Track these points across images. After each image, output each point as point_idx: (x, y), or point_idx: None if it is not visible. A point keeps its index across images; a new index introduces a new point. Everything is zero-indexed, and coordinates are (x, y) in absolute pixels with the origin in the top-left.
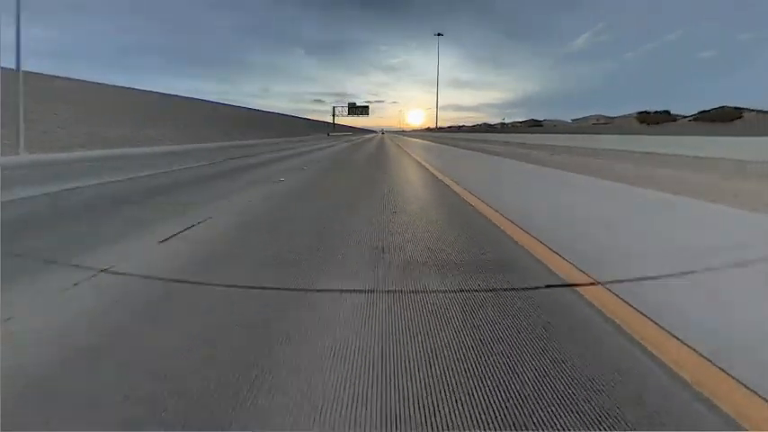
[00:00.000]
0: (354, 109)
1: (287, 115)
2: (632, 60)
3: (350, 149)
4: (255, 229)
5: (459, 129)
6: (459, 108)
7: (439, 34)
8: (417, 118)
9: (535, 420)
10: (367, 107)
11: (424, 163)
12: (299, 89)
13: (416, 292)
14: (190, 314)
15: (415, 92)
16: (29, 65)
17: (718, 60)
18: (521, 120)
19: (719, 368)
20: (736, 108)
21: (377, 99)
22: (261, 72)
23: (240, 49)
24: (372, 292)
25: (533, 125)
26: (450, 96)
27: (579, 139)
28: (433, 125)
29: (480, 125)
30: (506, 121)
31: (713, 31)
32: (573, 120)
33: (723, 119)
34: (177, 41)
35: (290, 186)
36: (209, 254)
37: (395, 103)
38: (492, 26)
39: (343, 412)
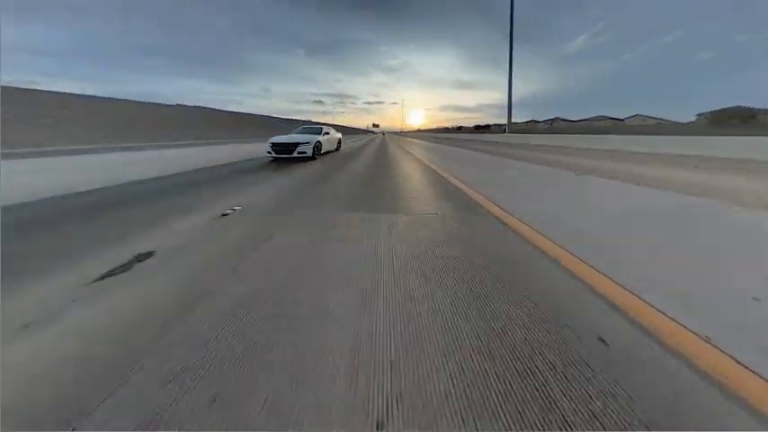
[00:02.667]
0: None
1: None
2: (630, 61)
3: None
4: None
5: (447, 130)
6: (459, 109)
7: (402, 99)
8: (417, 119)
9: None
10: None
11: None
12: (300, 89)
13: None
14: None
15: (414, 92)
16: (31, 65)
17: (717, 61)
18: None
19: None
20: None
21: (377, 100)
22: (262, 72)
23: (241, 50)
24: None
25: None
26: (451, 97)
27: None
28: (432, 126)
29: (451, 128)
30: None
31: (712, 32)
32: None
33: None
34: (178, 42)
35: None
36: None
37: (394, 103)
38: (491, 27)
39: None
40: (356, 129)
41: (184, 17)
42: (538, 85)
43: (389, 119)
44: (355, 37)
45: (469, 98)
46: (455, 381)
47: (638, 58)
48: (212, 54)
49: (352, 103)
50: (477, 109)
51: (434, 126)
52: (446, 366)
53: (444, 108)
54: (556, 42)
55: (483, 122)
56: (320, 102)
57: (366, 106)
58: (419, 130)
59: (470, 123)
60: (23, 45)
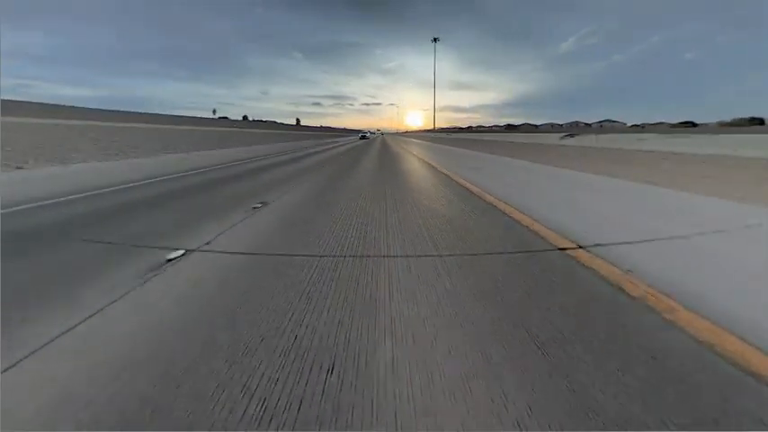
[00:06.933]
0: (377, 130)
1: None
2: (621, 62)
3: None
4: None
5: (442, 130)
6: (457, 109)
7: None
8: (415, 119)
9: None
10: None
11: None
12: (298, 92)
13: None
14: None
15: (411, 94)
16: (31, 71)
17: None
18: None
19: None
20: None
21: (374, 101)
22: (260, 75)
23: (239, 53)
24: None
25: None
26: (449, 98)
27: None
28: (430, 126)
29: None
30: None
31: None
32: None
33: None
34: (176, 46)
35: None
36: None
37: (392, 105)
38: (485, 29)
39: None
40: (360, 130)
41: (182, 22)
42: (531, 85)
43: (388, 120)
44: (351, 40)
45: (466, 99)
46: None
47: (629, 58)
48: (210, 58)
49: (350, 104)
50: (474, 110)
51: (432, 127)
52: None
53: (442, 109)
54: (548, 43)
55: (481, 123)
56: (318, 104)
57: (364, 108)
58: (407, 131)
59: (469, 124)
60: (20, 49)
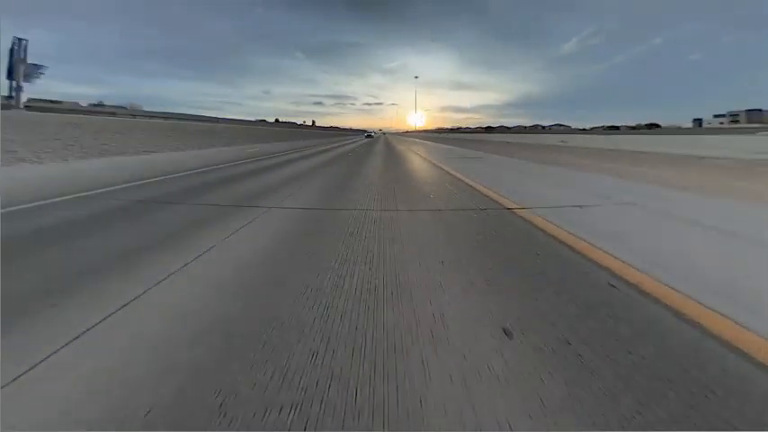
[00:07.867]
0: (380, 130)
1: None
2: (622, 62)
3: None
4: None
5: (441, 130)
6: (458, 110)
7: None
8: (416, 120)
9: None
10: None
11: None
12: (300, 91)
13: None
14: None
15: (413, 94)
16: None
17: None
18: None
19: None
20: None
21: (376, 101)
22: (262, 75)
23: (241, 53)
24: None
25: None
26: (450, 98)
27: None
28: (431, 126)
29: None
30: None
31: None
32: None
33: None
34: (179, 46)
35: None
36: None
37: (393, 105)
38: (485, 30)
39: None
40: (364, 130)
41: (183, 21)
42: (532, 86)
43: (389, 120)
44: (353, 40)
45: (467, 99)
46: None
47: (630, 58)
48: (211, 58)
49: (351, 104)
50: (475, 110)
51: (433, 127)
52: None
53: (444, 109)
54: (549, 44)
55: (482, 124)
56: (320, 103)
57: (366, 107)
58: (408, 131)
59: (469, 125)
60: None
